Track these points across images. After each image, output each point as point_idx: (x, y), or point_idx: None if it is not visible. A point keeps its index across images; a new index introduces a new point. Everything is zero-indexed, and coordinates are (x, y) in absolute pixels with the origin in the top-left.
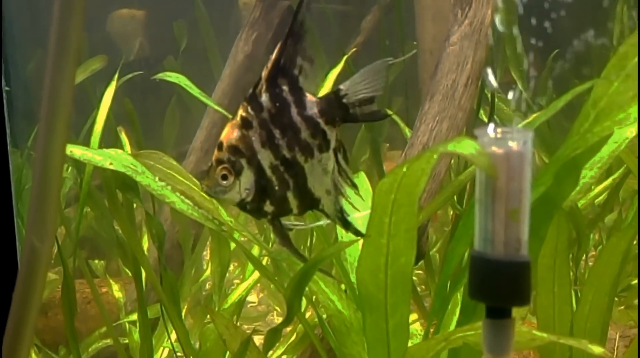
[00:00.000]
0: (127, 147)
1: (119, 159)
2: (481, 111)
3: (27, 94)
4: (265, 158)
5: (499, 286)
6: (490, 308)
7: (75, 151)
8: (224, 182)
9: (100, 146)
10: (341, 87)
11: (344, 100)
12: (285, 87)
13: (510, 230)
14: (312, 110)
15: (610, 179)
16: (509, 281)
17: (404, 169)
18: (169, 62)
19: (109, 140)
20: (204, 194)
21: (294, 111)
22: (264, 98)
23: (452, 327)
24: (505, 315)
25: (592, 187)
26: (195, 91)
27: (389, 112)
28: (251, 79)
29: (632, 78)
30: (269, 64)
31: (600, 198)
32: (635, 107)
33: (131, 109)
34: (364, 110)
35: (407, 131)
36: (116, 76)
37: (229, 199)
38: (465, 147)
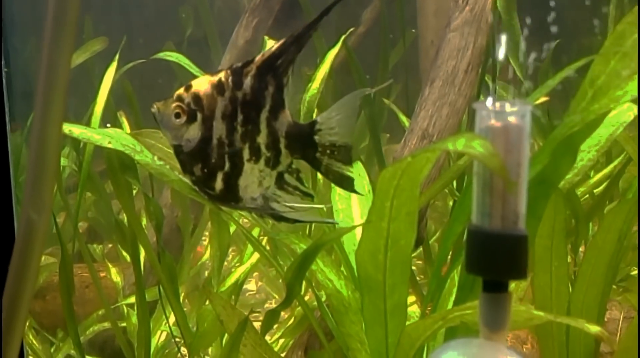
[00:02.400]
0: (127, 129)
1: (117, 138)
2: (481, 97)
3: (26, 74)
4: (219, 129)
5: (497, 260)
6: (487, 282)
7: (74, 129)
8: (175, 120)
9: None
10: (318, 119)
11: (316, 137)
12: (270, 89)
13: (507, 203)
14: (281, 127)
15: (610, 167)
16: (507, 255)
17: (409, 159)
18: (168, 47)
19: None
20: None
21: (264, 114)
22: (247, 82)
23: (449, 307)
24: (502, 289)
25: (591, 174)
26: (194, 69)
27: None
28: None
29: (629, 56)
30: (266, 54)
31: (600, 187)
32: (632, 85)
33: (130, 91)
34: (336, 167)
35: (404, 119)
36: (117, 57)
37: (169, 135)
38: (476, 146)
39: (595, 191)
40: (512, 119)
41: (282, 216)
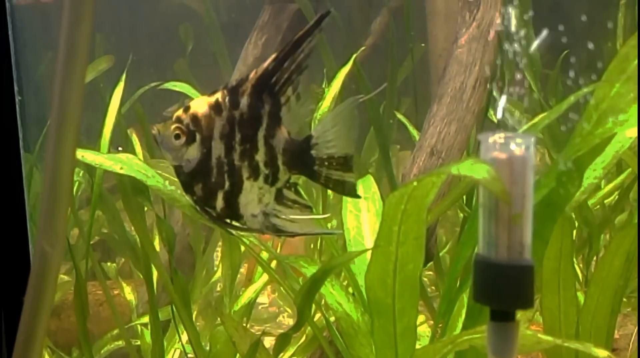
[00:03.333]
0: (138, 147)
1: (129, 163)
2: (490, 112)
3: (39, 99)
4: (217, 148)
5: (503, 290)
6: (494, 311)
7: (86, 155)
8: (175, 141)
9: (112, 146)
10: (313, 134)
11: (313, 152)
12: (266, 106)
13: (513, 234)
14: (278, 144)
15: (619, 179)
16: (513, 285)
17: (415, 183)
18: (179, 65)
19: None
20: None
21: (261, 133)
22: (244, 101)
23: (459, 328)
24: (509, 318)
25: (602, 185)
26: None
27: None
28: None
29: (632, 80)
30: (259, 71)
31: (611, 198)
32: (636, 108)
33: (142, 112)
34: (336, 175)
35: (415, 133)
36: (123, 76)
37: (169, 156)
38: (479, 171)
39: (605, 201)
40: (516, 150)
41: (282, 230)
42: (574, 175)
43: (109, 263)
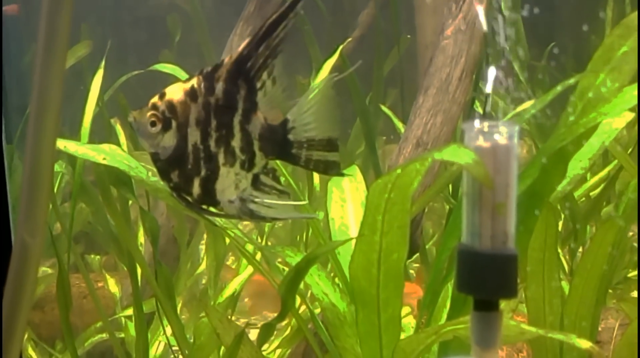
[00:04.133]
0: (122, 137)
1: (112, 154)
2: (476, 104)
3: (21, 89)
4: (193, 135)
5: (487, 279)
6: (478, 301)
7: (69, 146)
8: (151, 128)
9: (93, 138)
10: (289, 117)
11: (290, 136)
12: (242, 91)
13: (497, 224)
14: (254, 129)
15: (605, 171)
16: (496, 274)
17: (399, 171)
18: (164, 55)
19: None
20: None
21: (237, 117)
22: (219, 86)
23: (443, 319)
24: (492, 308)
25: (588, 177)
26: None
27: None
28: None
29: (617, 70)
30: (234, 56)
31: (597, 190)
32: (620, 98)
33: (125, 103)
34: (317, 155)
35: (400, 125)
36: (102, 63)
37: (146, 144)
38: (461, 155)
39: (591, 193)
40: (500, 139)
41: (260, 216)
42: (558, 165)
43: (92, 255)
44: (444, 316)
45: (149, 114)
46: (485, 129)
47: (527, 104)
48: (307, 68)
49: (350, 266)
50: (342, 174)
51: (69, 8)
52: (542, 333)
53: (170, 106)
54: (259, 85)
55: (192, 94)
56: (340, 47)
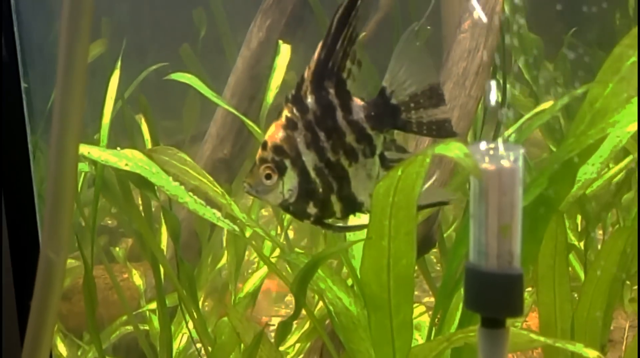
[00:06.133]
0: (146, 133)
1: (134, 159)
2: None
3: (45, 91)
4: (310, 159)
5: (493, 298)
6: (485, 318)
7: (92, 152)
8: (267, 181)
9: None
10: (384, 84)
11: (393, 100)
12: (331, 90)
13: (502, 244)
14: (359, 115)
15: (627, 160)
16: (502, 293)
17: (399, 172)
18: (184, 50)
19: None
20: (217, 190)
21: (339, 114)
22: (309, 100)
23: (456, 321)
24: (499, 325)
25: (610, 165)
26: (207, 91)
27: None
28: (265, 64)
29: (626, 80)
30: (312, 64)
31: (618, 177)
32: (630, 108)
33: (146, 104)
34: (427, 116)
35: None
36: (118, 63)
37: (272, 199)
38: (453, 150)
39: (613, 181)
40: (505, 162)
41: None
42: (567, 174)
43: (117, 248)
44: (457, 318)
45: (260, 170)
46: (491, 152)
47: (545, 104)
48: None
49: (360, 271)
50: (455, 134)
51: (89, 18)
52: (550, 343)
53: (276, 148)
54: (345, 75)
55: (289, 124)
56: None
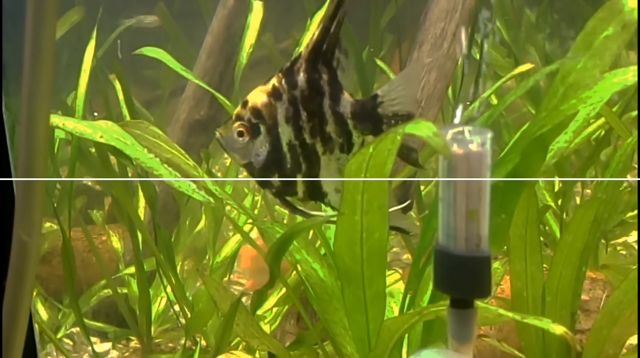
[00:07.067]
0: (120, 94)
1: (109, 131)
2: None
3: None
4: (286, 133)
5: (462, 280)
6: (454, 298)
7: (67, 123)
8: (239, 138)
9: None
10: (379, 92)
11: (379, 110)
12: (324, 76)
13: (471, 227)
14: (345, 109)
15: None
16: (471, 275)
17: (371, 149)
18: (159, 8)
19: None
20: (189, 163)
21: (326, 102)
22: (301, 77)
23: (429, 292)
24: (468, 306)
25: (592, 120)
26: (176, 66)
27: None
28: (242, 24)
29: (599, 55)
30: (310, 44)
31: (596, 134)
32: (601, 85)
33: (120, 71)
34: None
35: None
36: (94, 33)
37: (238, 157)
38: (422, 129)
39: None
40: (473, 146)
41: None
42: (538, 150)
43: (95, 211)
44: (429, 291)
45: (235, 125)
46: (459, 136)
47: (524, 67)
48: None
49: (334, 245)
50: (421, 167)
51: None
52: (517, 318)
53: (255, 111)
54: (335, 64)
55: (274, 93)
56: None
